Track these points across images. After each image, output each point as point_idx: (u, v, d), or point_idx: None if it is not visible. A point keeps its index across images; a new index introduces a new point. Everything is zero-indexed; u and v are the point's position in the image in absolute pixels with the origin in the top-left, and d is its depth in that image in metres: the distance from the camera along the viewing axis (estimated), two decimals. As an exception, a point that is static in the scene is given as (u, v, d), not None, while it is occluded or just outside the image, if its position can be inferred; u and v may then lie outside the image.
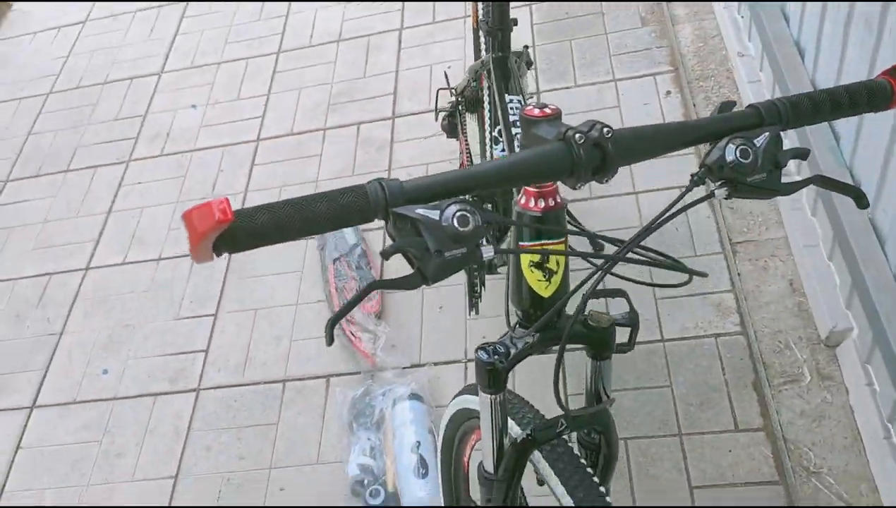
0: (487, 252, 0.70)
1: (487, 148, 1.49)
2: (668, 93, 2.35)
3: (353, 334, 1.93)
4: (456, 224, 0.68)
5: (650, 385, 1.76)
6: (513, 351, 0.88)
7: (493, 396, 0.90)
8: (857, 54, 1.50)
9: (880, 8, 1.35)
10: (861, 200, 0.77)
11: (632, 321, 1.29)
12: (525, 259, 0.84)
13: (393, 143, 2.48)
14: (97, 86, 3.07)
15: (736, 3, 2.34)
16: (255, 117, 2.73)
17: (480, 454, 0.99)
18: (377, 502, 1.64)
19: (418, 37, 2.81)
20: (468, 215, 0.68)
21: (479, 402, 0.92)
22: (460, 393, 1.20)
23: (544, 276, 0.84)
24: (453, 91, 1.93)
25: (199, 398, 2.00)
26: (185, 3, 3.32)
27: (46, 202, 2.66)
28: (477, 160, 1.66)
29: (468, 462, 1.33)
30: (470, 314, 1.74)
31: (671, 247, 1.98)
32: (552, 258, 0.83)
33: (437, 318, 2.01)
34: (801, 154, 0.75)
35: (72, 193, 2.67)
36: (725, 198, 0.74)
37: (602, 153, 0.70)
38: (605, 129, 0.70)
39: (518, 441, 0.92)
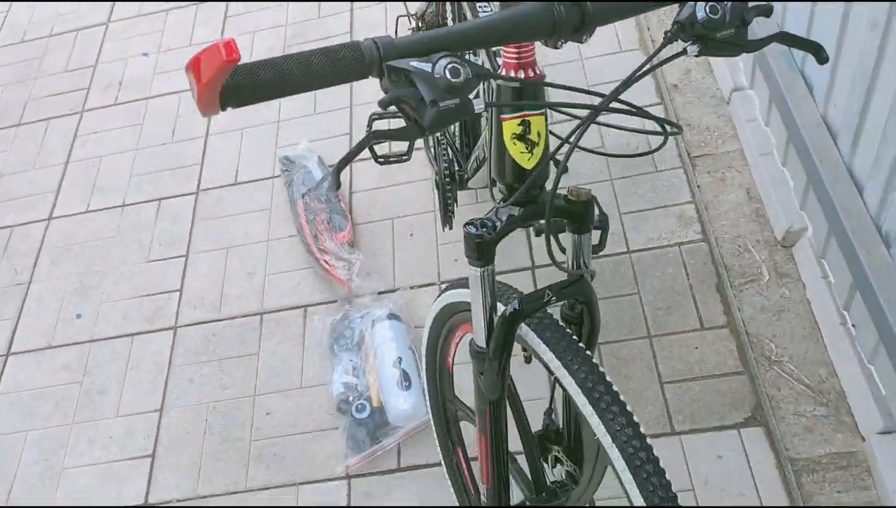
0: (479, 105, 0.73)
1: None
2: (623, 18, 2.39)
3: (327, 262, 1.96)
4: (448, 75, 0.71)
5: (619, 294, 1.83)
6: (499, 225, 0.92)
7: (483, 269, 0.95)
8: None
9: None
10: (821, 54, 0.82)
11: (602, 223, 1.35)
12: (508, 131, 0.88)
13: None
14: (42, 40, 2.99)
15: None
16: (211, 62, 2.69)
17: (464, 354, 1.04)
18: (363, 415, 1.68)
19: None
20: (459, 67, 0.72)
21: (469, 277, 0.96)
22: (444, 291, 1.24)
23: (526, 148, 0.89)
24: (413, 17, 1.95)
25: (178, 335, 2.02)
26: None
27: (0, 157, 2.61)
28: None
29: (452, 362, 1.38)
30: (444, 229, 1.78)
31: (632, 165, 2.04)
32: (533, 129, 0.87)
33: (409, 245, 2.04)
34: (765, 10, 0.80)
35: (26, 147, 2.62)
36: (696, 56, 0.79)
37: (581, 12, 0.74)
38: None
39: (507, 313, 0.97)
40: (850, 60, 1.40)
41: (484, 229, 0.92)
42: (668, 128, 0.84)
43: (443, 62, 0.72)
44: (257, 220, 2.20)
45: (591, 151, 1.07)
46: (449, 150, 1.66)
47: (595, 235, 1.33)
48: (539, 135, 0.88)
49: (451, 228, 1.75)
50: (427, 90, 0.71)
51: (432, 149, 1.74)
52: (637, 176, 2.01)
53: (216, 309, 2.04)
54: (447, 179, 1.57)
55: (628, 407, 0.91)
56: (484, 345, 1.01)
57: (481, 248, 0.93)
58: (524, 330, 0.99)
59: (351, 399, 1.72)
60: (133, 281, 2.15)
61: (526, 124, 0.87)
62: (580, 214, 0.95)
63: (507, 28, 0.74)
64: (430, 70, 0.71)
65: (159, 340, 2.02)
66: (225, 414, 1.85)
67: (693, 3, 0.76)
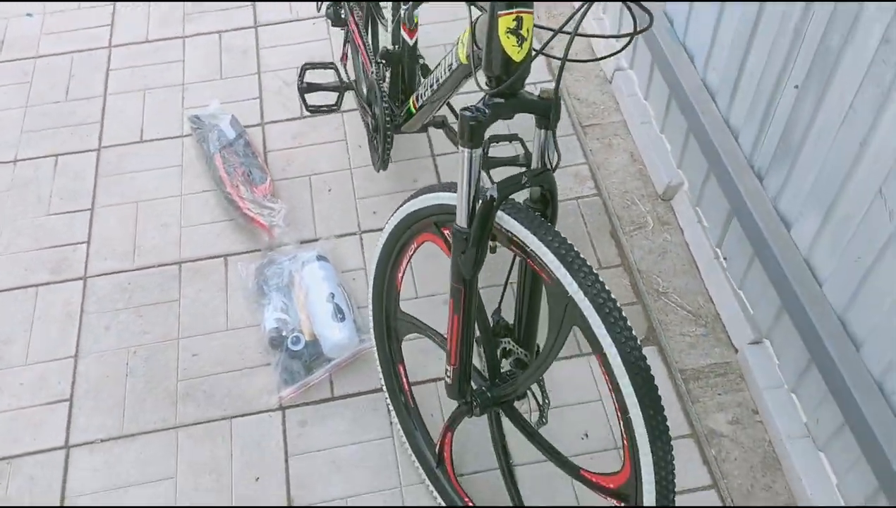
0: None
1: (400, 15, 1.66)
2: None
3: (249, 210, 2.01)
4: None
5: (526, 241, 2.03)
6: (488, 112, 1.07)
7: (473, 150, 1.09)
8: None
9: None
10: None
11: (527, 159, 1.54)
12: (503, 26, 1.03)
13: (259, 50, 2.54)
14: None
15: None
16: (104, 25, 2.64)
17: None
18: (298, 347, 1.75)
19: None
20: None
21: (459, 158, 1.10)
22: (405, 202, 1.37)
23: (518, 42, 1.04)
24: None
25: (88, 285, 1.98)
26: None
27: None
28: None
29: (402, 277, 1.50)
30: (378, 171, 1.89)
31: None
32: (524, 25, 1.03)
33: (327, 199, 2.13)
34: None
35: None
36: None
37: None
38: None
39: (489, 196, 1.11)
40: (729, 29, 1.68)
41: (479, 112, 1.06)
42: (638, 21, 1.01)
43: None
44: (168, 176, 2.20)
45: (582, 35, 1.19)
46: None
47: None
48: (528, 31, 1.04)
49: (385, 169, 1.87)
50: None
51: (367, 95, 1.85)
52: (536, 140, 2.23)
53: (129, 260, 2.02)
54: (388, 123, 1.69)
55: (595, 269, 1.08)
56: (465, 226, 1.14)
57: (475, 131, 1.07)
58: (499, 214, 1.14)
59: (285, 333, 1.78)
60: (33, 234, 2.08)
61: (519, 20, 1.02)
62: (548, 109, 1.11)
63: None
64: None
65: (67, 290, 1.97)
66: (147, 358, 1.84)
67: None
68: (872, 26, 1.24)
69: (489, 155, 1.52)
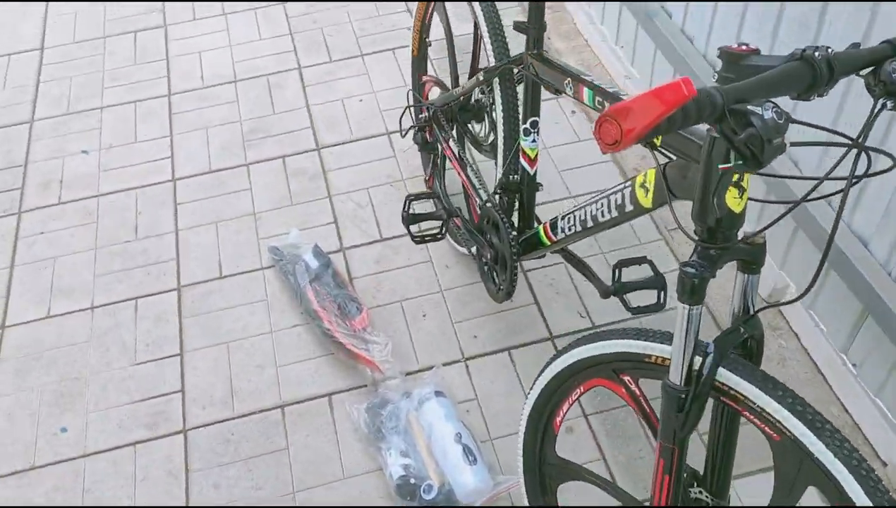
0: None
1: (518, 138, 1.63)
2: (573, 112, 2.64)
3: (354, 346, 1.93)
4: (775, 117, 0.83)
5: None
6: (709, 266, 1.03)
7: (694, 307, 1.04)
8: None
9: None
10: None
11: (660, 283, 1.49)
12: (727, 178, 0.99)
13: (326, 172, 2.51)
14: (-50, 139, 2.75)
15: (611, 36, 2.70)
16: (164, 158, 2.61)
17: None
18: (432, 495, 1.65)
19: (318, 75, 2.87)
20: (780, 112, 0.84)
21: (678, 315, 1.05)
22: (569, 349, 1.31)
23: (738, 194, 1.00)
24: (425, 105, 2.05)
25: (189, 438, 1.87)
26: (38, 51, 3.09)
27: (-78, 263, 2.33)
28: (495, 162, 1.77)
29: (561, 421, 1.42)
30: (501, 301, 1.82)
31: (618, 241, 2.22)
32: (746, 176, 0.99)
33: (424, 326, 2.06)
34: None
35: (-47, 252, 2.36)
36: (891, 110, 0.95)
37: (830, 69, 0.89)
38: (830, 49, 0.89)
39: (709, 353, 1.05)
40: None
41: (702, 269, 1.01)
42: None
43: (768, 106, 0.83)
44: (254, 313, 2.12)
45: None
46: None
47: (652, 293, 1.48)
48: (747, 182, 1.01)
49: (510, 299, 1.80)
50: (765, 130, 0.82)
51: (479, 225, 1.81)
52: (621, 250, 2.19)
53: (228, 407, 1.92)
54: (514, 251, 1.64)
55: (836, 424, 1.01)
56: (679, 383, 1.08)
57: (697, 288, 1.02)
58: (720, 371, 1.08)
59: (414, 481, 1.68)
60: (123, 386, 1.98)
61: (741, 173, 0.99)
62: (756, 255, 1.07)
63: (781, 82, 0.86)
64: (761, 113, 0.83)
65: (168, 446, 1.86)
66: (265, 518, 1.73)
67: (889, 66, 0.92)
68: None
69: (622, 280, 1.51)
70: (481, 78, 1.71)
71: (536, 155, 1.64)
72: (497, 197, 1.73)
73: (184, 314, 2.14)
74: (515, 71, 1.64)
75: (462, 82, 1.91)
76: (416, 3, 2.13)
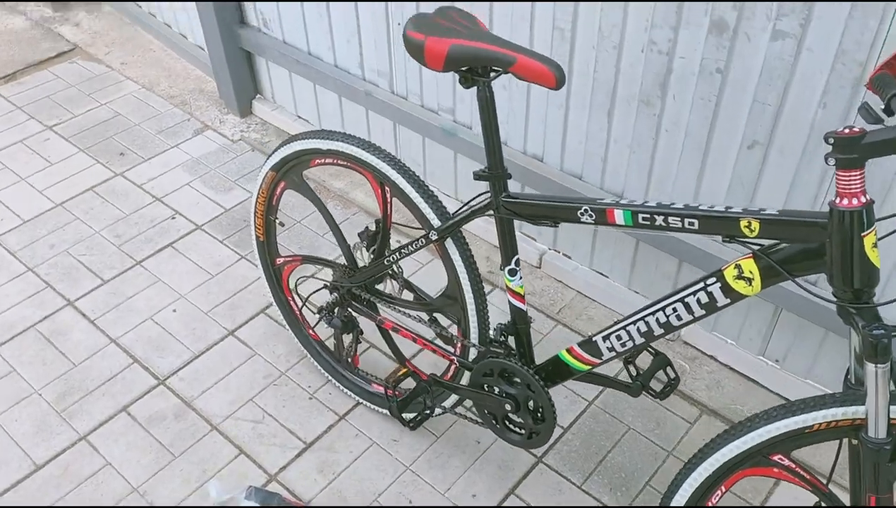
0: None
1: (503, 278, 1.59)
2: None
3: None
4: None
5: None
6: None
7: (885, 365, 1.13)
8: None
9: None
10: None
11: (665, 361, 1.60)
12: (868, 243, 1.11)
13: (190, 404, 2.12)
14: None
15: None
16: (-42, 479, 1.95)
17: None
18: None
19: (99, 302, 2.42)
20: None
21: (868, 375, 1.13)
22: (703, 457, 1.32)
23: (873, 246, 1.13)
24: (343, 270, 1.88)
25: None
26: None
27: None
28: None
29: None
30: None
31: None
32: (873, 235, 1.13)
33: (420, 512, 1.86)
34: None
35: None
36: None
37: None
38: None
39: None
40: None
41: (887, 329, 1.12)
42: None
43: None
44: None
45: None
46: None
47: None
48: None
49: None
50: None
51: (484, 380, 1.70)
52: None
53: None
54: (542, 386, 1.59)
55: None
56: (884, 435, 1.17)
57: (887, 348, 1.12)
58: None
59: None
60: None
61: (875, 231, 1.12)
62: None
63: None
64: None
65: None
66: None
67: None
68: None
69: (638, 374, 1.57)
70: (434, 238, 1.63)
71: (524, 291, 1.62)
72: (503, 346, 1.66)
73: None
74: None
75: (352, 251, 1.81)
76: (261, 181, 1.95)
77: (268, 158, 1.91)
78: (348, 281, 1.87)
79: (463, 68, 1.43)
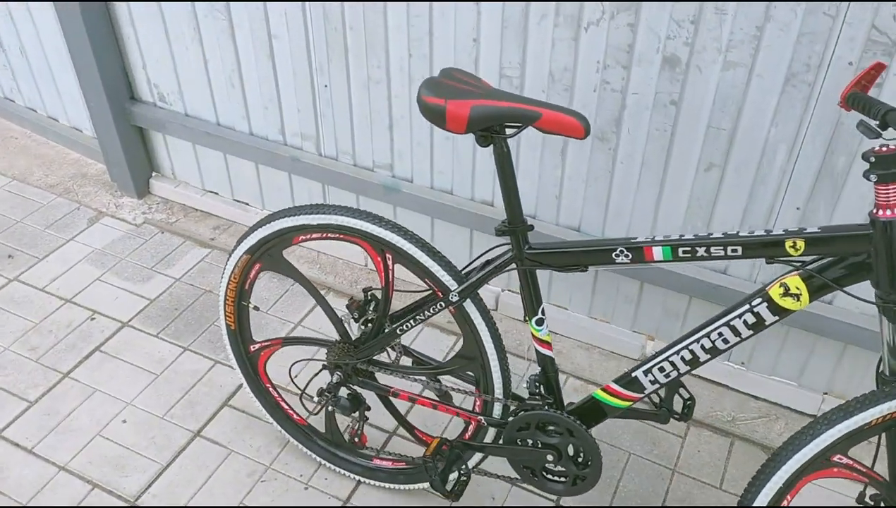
0: None
1: (533, 330, 1.58)
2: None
3: None
4: None
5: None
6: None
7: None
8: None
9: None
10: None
11: (678, 382, 1.68)
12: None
13: (174, 521, 1.92)
14: None
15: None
16: None
17: None
18: None
19: (34, 427, 2.14)
20: None
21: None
22: (774, 467, 1.38)
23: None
24: (342, 347, 1.78)
25: None
26: None
27: None
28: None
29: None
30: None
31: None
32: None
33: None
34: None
35: None
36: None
37: None
38: None
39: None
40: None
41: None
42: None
43: None
44: None
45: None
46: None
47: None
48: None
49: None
50: None
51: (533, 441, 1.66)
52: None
53: None
54: (583, 430, 1.58)
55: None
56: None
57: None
58: None
59: None
60: None
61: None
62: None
63: None
64: None
65: None
66: None
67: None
68: None
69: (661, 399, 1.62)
70: (454, 300, 1.60)
71: (551, 338, 1.62)
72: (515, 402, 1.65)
73: None
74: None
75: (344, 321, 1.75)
76: (233, 267, 1.82)
77: (240, 241, 1.79)
78: (352, 358, 1.78)
79: (482, 128, 1.42)
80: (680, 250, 1.39)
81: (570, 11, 1.91)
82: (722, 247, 1.35)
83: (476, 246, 2.46)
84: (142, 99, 2.80)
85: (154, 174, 3.01)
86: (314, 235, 1.71)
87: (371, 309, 1.78)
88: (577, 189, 2.18)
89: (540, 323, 1.59)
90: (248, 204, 2.87)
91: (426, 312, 1.64)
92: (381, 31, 2.17)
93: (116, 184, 3.01)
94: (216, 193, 2.92)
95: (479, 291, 1.62)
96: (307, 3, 2.24)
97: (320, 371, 1.87)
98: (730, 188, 1.98)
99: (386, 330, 1.74)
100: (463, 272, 1.65)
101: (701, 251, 1.37)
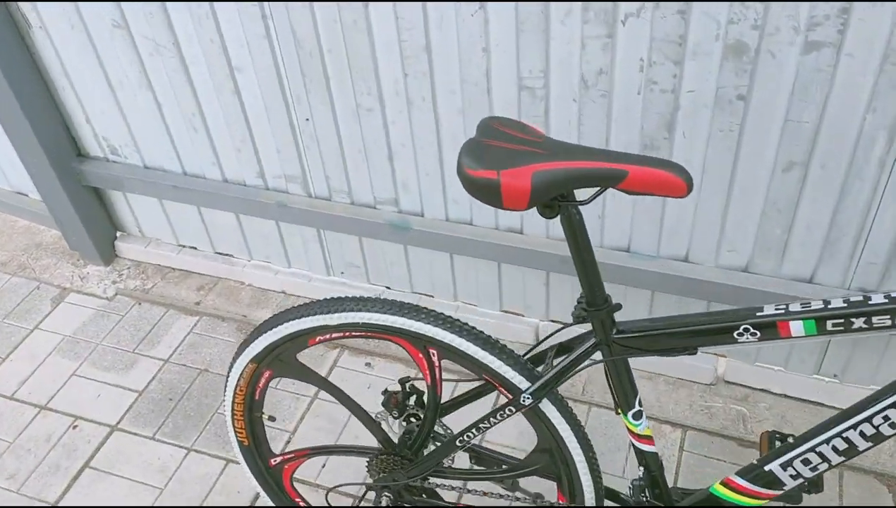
0: None
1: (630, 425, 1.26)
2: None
3: None
4: None
5: None
6: None
7: None
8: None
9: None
10: None
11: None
12: None
13: None
14: None
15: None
16: None
17: None
18: None
19: None
20: None
21: None
22: None
23: None
24: (386, 459, 1.46)
25: None
26: None
27: None
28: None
29: None
30: None
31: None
32: None
33: None
34: None
35: None
36: None
37: None
38: None
39: None
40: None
41: None
42: None
43: None
44: None
45: None
46: None
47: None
48: None
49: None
50: None
51: None
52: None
53: None
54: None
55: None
56: None
57: None
58: None
59: None
60: None
61: None
62: None
63: None
64: None
65: None
66: None
67: None
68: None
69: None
70: (527, 403, 1.26)
71: (651, 432, 1.30)
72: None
73: None
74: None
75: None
76: (237, 379, 1.48)
77: (242, 349, 1.44)
78: (403, 474, 1.45)
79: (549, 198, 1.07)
80: (829, 323, 1.06)
81: (601, 5, 1.54)
82: (889, 317, 1.03)
83: (506, 278, 2.12)
84: (90, 155, 2.41)
85: (119, 234, 2.63)
86: (334, 335, 1.37)
87: (413, 402, 1.46)
88: (624, 203, 1.84)
89: (638, 416, 1.26)
90: (232, 255, 2.50)
91: (492, 419, 1.31)
92: (367, 50, 1.79)
93: (78, 253, 2.63)
94: (194, 248, 2.54)
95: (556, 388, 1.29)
96: (272, 29, 1.85)
97: (365, 494, 1.54)
98: (815, 187, 1.65)
99: (434, 438, 1.41)
100: (525, 357, 1.31)
101: (859, 322, 1.05)
